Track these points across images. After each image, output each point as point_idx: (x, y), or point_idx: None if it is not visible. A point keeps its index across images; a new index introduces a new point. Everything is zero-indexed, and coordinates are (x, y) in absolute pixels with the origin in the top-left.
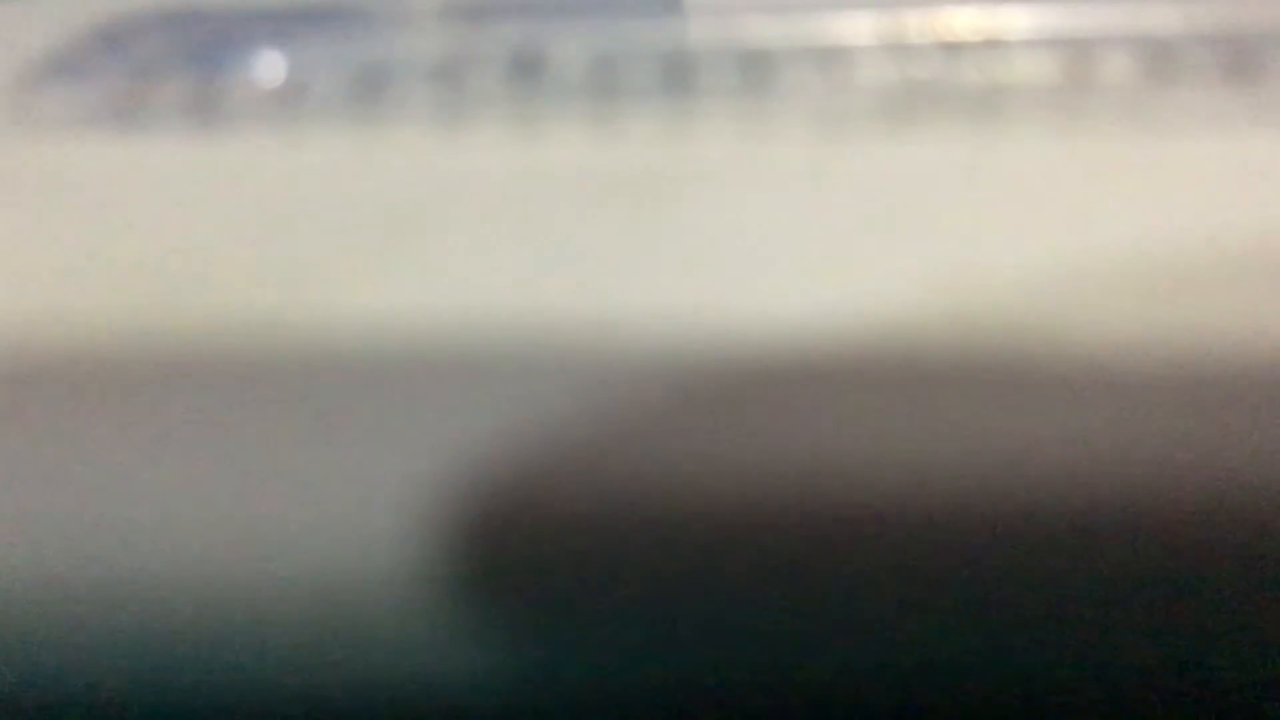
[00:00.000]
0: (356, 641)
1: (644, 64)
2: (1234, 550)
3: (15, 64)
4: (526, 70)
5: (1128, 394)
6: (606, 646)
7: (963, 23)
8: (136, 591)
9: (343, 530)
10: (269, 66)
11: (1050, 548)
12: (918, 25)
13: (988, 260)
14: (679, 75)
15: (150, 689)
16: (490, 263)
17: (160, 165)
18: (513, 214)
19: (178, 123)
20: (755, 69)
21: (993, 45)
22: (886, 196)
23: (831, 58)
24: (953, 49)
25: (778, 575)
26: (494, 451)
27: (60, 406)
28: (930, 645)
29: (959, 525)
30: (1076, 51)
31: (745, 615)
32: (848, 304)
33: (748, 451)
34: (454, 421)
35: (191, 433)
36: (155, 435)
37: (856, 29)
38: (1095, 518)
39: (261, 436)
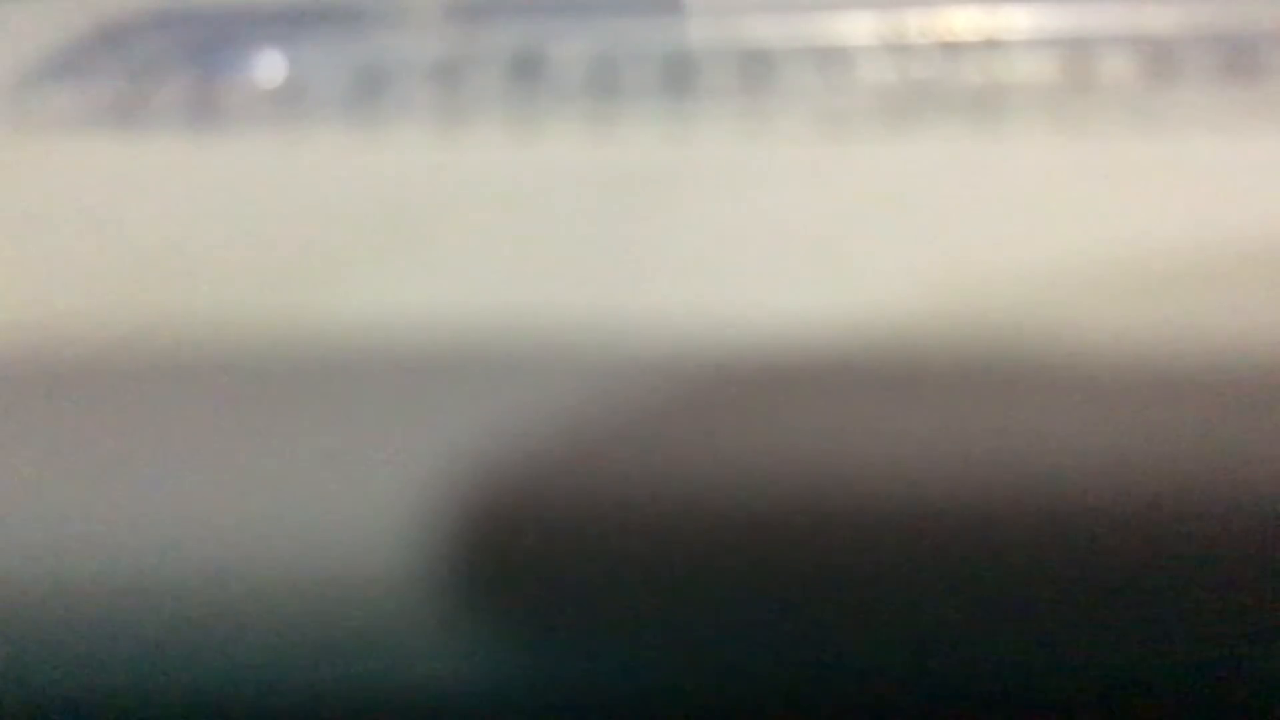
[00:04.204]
0: (355, 641)
1: (644, 64)
2: (1233, 549)
3: (15, 64)
4: (526, 70)
5: (1127, 393)
6: (604, 646)
7: (963, 23)
8: (133, 591)
9: (343, 529)
10: (269, 66)
11: (1048, 546)
12: (918, 25)
13: (987, 260)
14: (679, 75)
15: (149, 688)
16: (490, 262)
17: (160, 165)
18: (512, 213)
19: (178, 123)
20: (755, 69)
21: (993, 45)
22: (886, 196)
23: (831, 58)
24: (953, 49)
25: (776, 574)
26: (493, 450)
27: (60, 406)
28: (929, 644)
29: (956, 524)
30: (1076, 51)
31: (744, 615)
32: (847, 303)
33: (748, 450)
34: (453, 420)
35: (191, 431)
36: (154, 434)
37: (856, 29)
38: (1094, 516)
39: (261, 435)
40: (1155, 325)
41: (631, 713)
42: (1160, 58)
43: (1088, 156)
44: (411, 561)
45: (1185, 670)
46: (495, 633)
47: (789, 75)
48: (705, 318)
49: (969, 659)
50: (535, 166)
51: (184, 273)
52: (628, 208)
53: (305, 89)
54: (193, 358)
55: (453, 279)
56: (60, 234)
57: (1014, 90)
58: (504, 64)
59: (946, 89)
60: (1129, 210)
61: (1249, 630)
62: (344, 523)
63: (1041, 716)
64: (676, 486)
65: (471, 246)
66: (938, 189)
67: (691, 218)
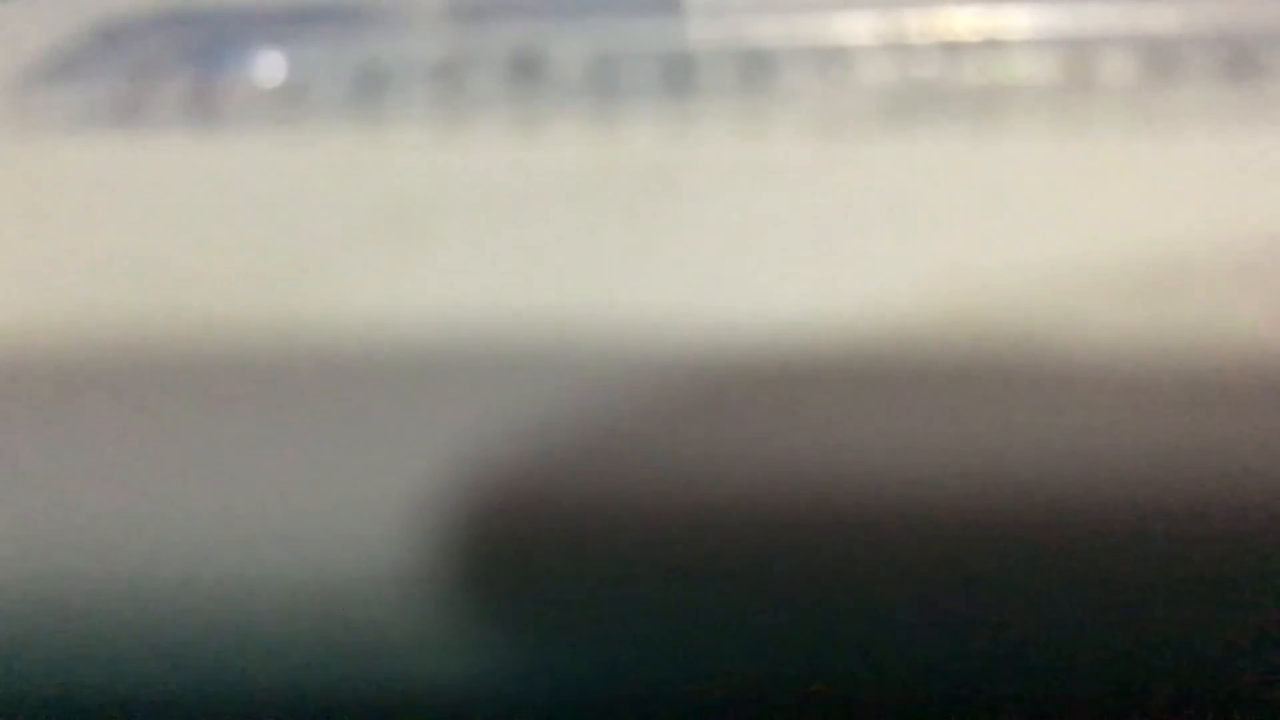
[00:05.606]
0: (354, 642)
1: (644, 64)
2: (1233, 549)
3: (15, 64)
4: (526, 70)
5: (1127, 394)
6: (605, 647)
7: (963, 23)
8: (132, 591)
9: (343, 530)
10: (269, 66)
11: (1048, 547)
12: (918, 25)
13: (987, 260)
14: (679, 75)
15: (147, 688)
16: (490, 263)
17: (160, 165)
18: (513, 214)
19: (178, 123)
20: (755, 69)
21: (993, 45)
22: (886, 196)
23: (831, 58)
24: (953, 49)
25: (777, 575)
26: (494, 451)
27: (60, 406)
28: (929, 645)
29: (956, 525)
30: (1076, 51)
31: (744, 615)
32: (847, 304)
33: (747, 451)
34: (454, 421)
35: (191, 433)
36: (154, 435)
37: (856, 29)
38: (1094, 517)
39: (261, 436)
40: (1155, 325)
41: (632, 713)
42: (1160, 58)
43: (1088, 156)
44: (412, 561)
45: (1185, 671)
46: (495, 633)
47: (789, 75)
48: (705, 318)
49: (971, 659)
50: (536, 166)
51: (184, 272)
52: (628, 207)
53: (305, 89)
54: (192, 358)
55: (453, 279)
56: (60, 234)
57: (1014, 90)
58: (504, 64)
59: (946, 89)
60: (1129, 210)
61: (1250, 632)
62: (344, 522)
63: (1041, 716)
64: (677, 486)
65: (472, 246)
66: (938, 189)
67: (691, 217)
